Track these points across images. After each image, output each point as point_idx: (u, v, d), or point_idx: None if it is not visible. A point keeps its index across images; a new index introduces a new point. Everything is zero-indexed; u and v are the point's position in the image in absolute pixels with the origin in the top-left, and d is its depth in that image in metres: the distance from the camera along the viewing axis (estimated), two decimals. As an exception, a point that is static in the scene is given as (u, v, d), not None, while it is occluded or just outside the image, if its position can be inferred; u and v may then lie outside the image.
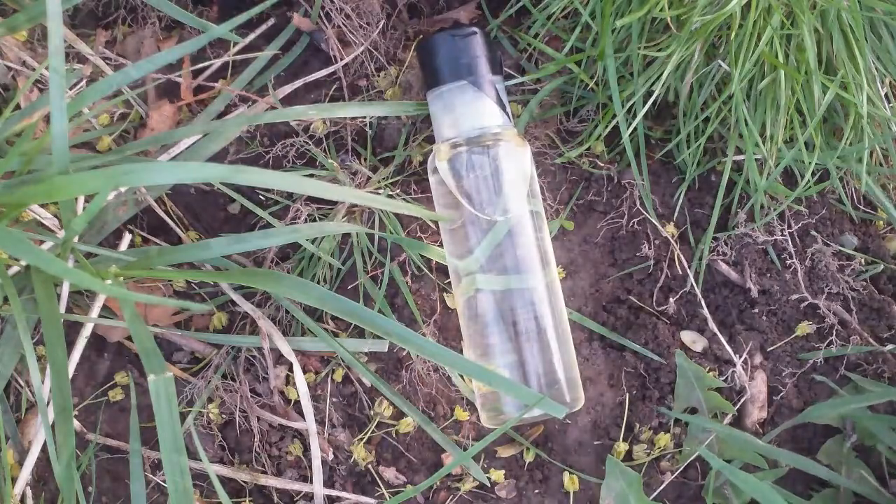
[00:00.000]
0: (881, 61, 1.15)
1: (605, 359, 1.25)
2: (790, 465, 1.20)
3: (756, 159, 1.20)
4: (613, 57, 1.17)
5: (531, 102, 1.25)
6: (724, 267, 1.26)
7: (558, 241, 1.27)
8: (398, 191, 1.25)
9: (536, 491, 1.23)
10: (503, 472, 1.22)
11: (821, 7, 1.07)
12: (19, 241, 0.87)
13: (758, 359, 1.24)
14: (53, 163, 0.94)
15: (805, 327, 1.24)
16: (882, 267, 1.28)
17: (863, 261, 1.28)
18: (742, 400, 1.23)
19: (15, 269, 1.08)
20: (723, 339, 1.23)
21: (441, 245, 1.21)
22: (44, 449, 1.15)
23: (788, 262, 1.26)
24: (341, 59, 1.28)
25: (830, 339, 1.24)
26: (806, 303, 1.25)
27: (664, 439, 1.22)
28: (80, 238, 1.13)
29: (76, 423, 1.21)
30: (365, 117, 1.28)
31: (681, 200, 1.27)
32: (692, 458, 1.21)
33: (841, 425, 1.22)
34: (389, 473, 1.22)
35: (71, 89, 1.23)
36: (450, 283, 1.24)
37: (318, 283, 1.24)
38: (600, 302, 1.27)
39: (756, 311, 1.26)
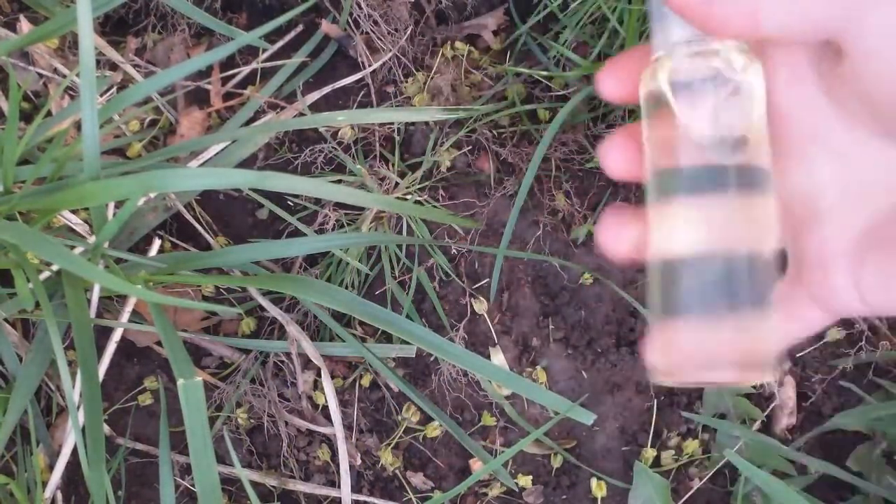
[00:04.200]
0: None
1: (632, 364, 1.25)
2: (819, 472, 1.19)
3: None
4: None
5: (561, 111, 1.25)
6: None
7: (586, 247, 1.27)
8: (426, 196, 1.26)
9: (564, 496, 1.23)
10: (531, 477, 1.22)
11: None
12: (52, 246, 0.88)
13: (787, 364, 1.24)
14: (84, 169, 0.95)
15: (834, 333, 1.24)
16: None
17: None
18: (771, 406, 1.22)
19: (46, 274, 1.09)
20: (751, 345, 1.22)
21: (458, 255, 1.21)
22: (74, 453, 1.15)
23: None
24: (369, 66, 1.29)
25: (860, 344, 1.23)
26: (835, 309, 1.24)
27: (692, 445, 1.21)
28: (110, 243, 1.13)
29: (106, 428, 1.21)
30: (393, 123, 1.28)
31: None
32: (721, 464, 1.21)
33: (870, 432, 1.21)
34: (417, 479, 1.22)
35: (101, 96, 1.23)
36: (477, 288, 1.25)
37: (346, 288, 1.24)
38: (628, 307, 1.27)
39: (785, 316, 1.25)
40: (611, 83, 0.49)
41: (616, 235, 0.49)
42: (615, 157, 0.49)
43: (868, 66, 0.41)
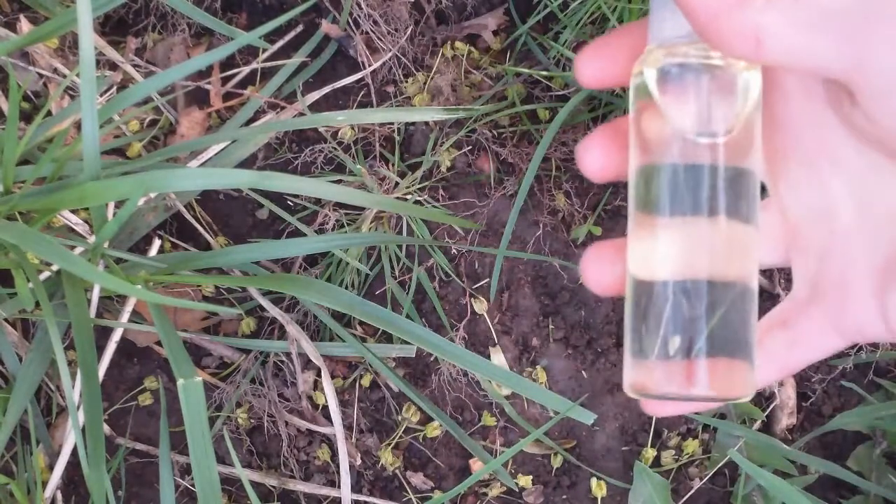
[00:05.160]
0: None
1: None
2: (820, 472, 1.19)
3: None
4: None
5: (561, 111, 1.25)
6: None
7: (586, 247, 1.27)
8: (426, 196, 1.26)
9: (564, 496, 1.23)
10: (531, 477, 1.22)
11: None
12: (51, 246, 0.88)
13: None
14: (84, 169, 0.95)
15: (834, 333, 1.24)
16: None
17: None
18: (771, 406, 1.22)
19: (46, 274, 1.09)
20: (751, 345, 1.22)
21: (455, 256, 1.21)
22: (74, 453, 1.15)
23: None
24: (369, 66, 1.29)
25: (860, 344, 1.23)
26: (835, 308, 1.24)
27: (692, 445, 1.21)
28: (110, 243, 1.13)
29: (106, 428, 1.21)
30: (393, 123, 1.28)
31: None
32: (721, 464, 1.21)
33: (871, 432, 1.21)
34: (417, 479, 1.22)
35: (101, 96, 1.23)
36: (477, 288, 1.25)
37: (346, 288, 1.24)
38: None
39: (785, 316, 1.25)
40: (590, 68, 0.47)
41: (600, 272, 0.48)
42: (594, 155, 0.48)
43: (878, 109, 0.40)
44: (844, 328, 0.45)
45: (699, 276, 0.43)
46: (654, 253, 0.45)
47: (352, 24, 1.29)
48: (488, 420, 1.23)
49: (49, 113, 1.21)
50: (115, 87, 1.26)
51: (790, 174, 0.46)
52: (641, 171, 0.45)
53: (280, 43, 1.32)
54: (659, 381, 0.44)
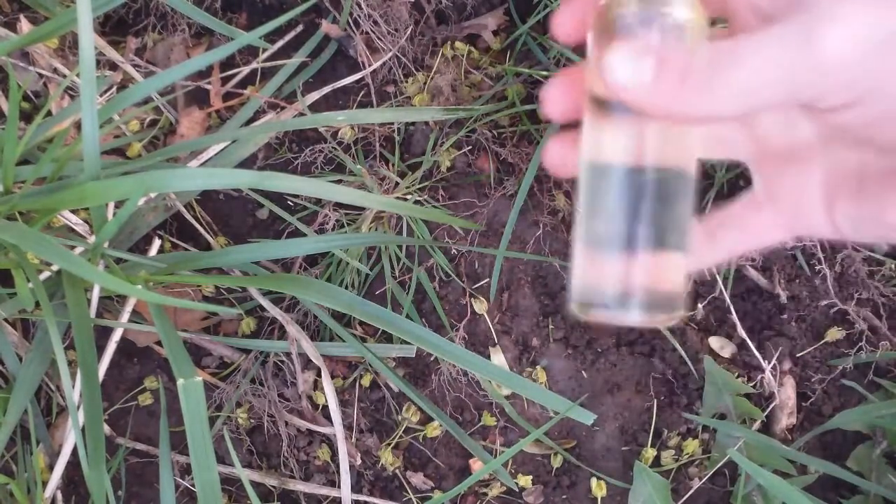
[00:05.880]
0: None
1: (632, 364, 1.25)
2: (819, 472, 1.19)
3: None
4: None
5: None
6: (752, 273, 1.26)
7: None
8: (426, 196, 1.25)
9: (564, 496, 1.23)
10: (531, 477, 1.22)
11: None
12: (51, 246, 0.88)
13: (787, 365, 1.23)
14: (84, 169, 0.95)
15: (834, 333, 1.24)
16: (912, 272, 1.27)
17: (893, 266, 1.27)
18: (771, 406, 1.22)
19: (46, 274, 1.09)
20: (751, 345, 1.22)
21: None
22: (74, 453, 1.15)
23: (818, 267, 1.25)
24: (369, 66, 1.29)
25: (860, 344, 1.23)
26: (835, 308, 1.24)
27: (692, 445, 1.21)
28: (110, 243, 1.13)
29: (106, 428, 1.21)
30: (393, 123, 1.28)
31: (709, 206, 1.26)
32: (721, 464, 1.21)
33: (870, 432, 1.21)
34: (417, 479, 1.22)
35: (101, 96, 1.23)
36: (477, 288, 1.25)
37: (346, 288, 1.24)
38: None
39: (785, 316, 1.25)
40: (563, 22, 0.49)
41: (557, 156, 0.51)
42: (555, 98, 0.50)
43: (883, 132, 0.41)
44: (794, 228, 0.49)
45: (643, 162, 0.45)
46: (600, 141, 0.47)
47: (352, 24, 1.29)
48: (488, 420, 1.23)
49: (49, 113, 1.21)
50: (115, 87, 1.26)
51: None
52: (592, 103, 0.47)
53: (280, 43, 1.32)
54: (600, 274, 0.46)
